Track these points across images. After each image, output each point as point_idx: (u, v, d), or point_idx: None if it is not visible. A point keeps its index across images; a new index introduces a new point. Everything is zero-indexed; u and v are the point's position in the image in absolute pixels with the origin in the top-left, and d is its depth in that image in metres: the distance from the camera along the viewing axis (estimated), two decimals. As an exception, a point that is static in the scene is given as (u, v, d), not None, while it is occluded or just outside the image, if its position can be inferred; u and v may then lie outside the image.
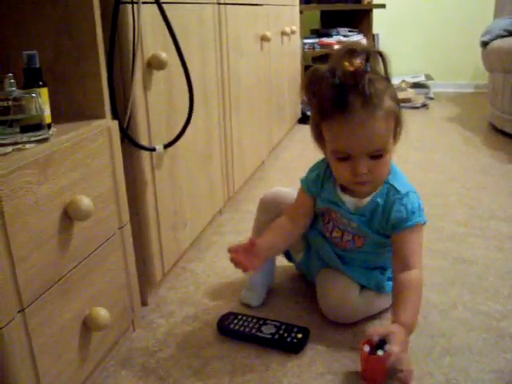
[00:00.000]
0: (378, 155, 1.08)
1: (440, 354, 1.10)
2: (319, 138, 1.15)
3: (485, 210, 1.84)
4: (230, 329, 1.17)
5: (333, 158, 1.12)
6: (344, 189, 1.18)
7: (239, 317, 1.21)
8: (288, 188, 1.36)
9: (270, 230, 1.26)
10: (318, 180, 1.23)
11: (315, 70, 1.09)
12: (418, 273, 1.09)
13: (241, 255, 1.14)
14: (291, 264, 1.42)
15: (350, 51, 1.07)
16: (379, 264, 1.24)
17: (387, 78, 1.10)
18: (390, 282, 1.23)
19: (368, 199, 1.16)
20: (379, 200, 1.15)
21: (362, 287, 1.22)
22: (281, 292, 1.36)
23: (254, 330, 1.15)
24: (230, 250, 1.15)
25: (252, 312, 1.26)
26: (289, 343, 1.12)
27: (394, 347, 0.96)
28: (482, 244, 1.58)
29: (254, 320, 1.19)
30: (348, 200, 1.18)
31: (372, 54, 1.08)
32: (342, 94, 1.04)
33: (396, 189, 1.14)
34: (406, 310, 1.05)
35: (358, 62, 1.06)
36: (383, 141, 1.08)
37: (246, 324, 1.18)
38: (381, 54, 1.10)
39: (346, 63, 1.05)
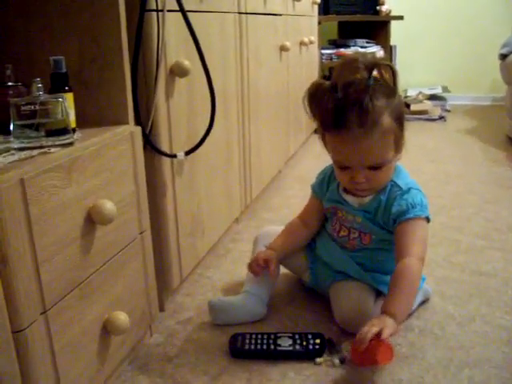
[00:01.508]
0: (376, 167, 1.13)
1: (458, 366, 1.09)
2: (325, 143, 1.20)
3: (503, 223, 1.82)
4: (245, 350, 1.13)
5: (335, 165, 1.18)
6: (347, 190, 1.23)
7: (248, 336, 1.16)
8: (281, 227, 1.39)
9: (284, 233, 1.34)
10: (324, 183, 1.30)
11: (317, 84, 1.13)
12: (412, 260, 1.10)
13: (258, 265, 1.25)
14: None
15: (352, 64, 1.10)
16: (388, 266, 1.23)
17: (393, 91, 1.12)
18: None
19: (371, 197, 1.20)
20: (382, 197, 1.18)
21: (377, 296, 1.22)
22: (293, 302, 1.36)
23: (271, 346, 1.13)
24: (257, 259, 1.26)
25: (265, 326, 1.25)
26: (311, 350, 1.12)
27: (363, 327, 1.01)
28: (501, 257, 1.57)
29: (265, 336, 1.16)
30: (351, 200, 1.22)
31: (377, 66, 1.11)
32: (341, 111, 1.08)
33: (398, 186, 1.18)
34: (394, 300, 1.07)
35: (360, 75, 1.09)
36: (380, 156, 1.12)
37: (259, 342, 1.14)
38: (390, 67, 1.12)
39: (347, 77, 1.09)
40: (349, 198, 1.22)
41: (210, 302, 1.25)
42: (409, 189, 1.17)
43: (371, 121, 1.07)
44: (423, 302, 1.31)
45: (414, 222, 1.14)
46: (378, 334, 0.99)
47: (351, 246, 1.25)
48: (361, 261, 1.24)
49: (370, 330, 1.00)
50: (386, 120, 1.09)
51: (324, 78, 3.55)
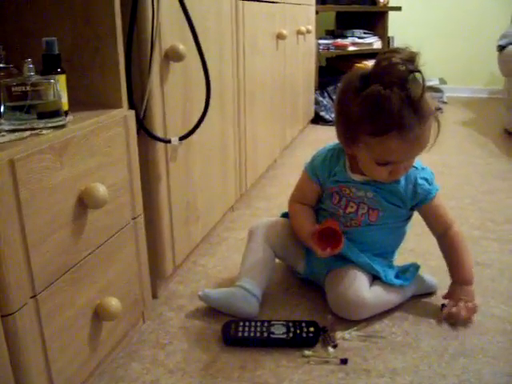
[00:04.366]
0: None
1: (453, 356, 1.08)
2: (351, 143, 1.17)
3: (499, 214, 1.82)
4: (238, 337, 1.12)
5: (371, 162, 1.16)
6: (354, 170, 1.24)
7: (241, 323, 1.15)
8: (275, 217, 1.39)
9: (307, 216, 1.31)
10: (325, 166, 1.28)
11: (379, 92, 1.06)
12: (457, 227, 1.25)
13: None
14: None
15: (407, 68, 1.11)
16: (384, 248, 1.28)
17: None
18: (397, 279, 1.24)
19: None
20: None
21: (373, 281, 1.24)
22: (288, 290, 1.35)
23: (265, 334, 1.12)
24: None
25: (259, 314, 1.23)
26: (305, 338, 1.11)
27: (450, 307, 1.20)
28: (497, 248, 1.56)
29: (259, 323, 1.15)
30: (360, 178, 1.23)
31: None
32: (403, 112, 1.07)
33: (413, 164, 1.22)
34: (463, 268, 1.24)
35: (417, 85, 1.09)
36: (427, 144, 1.15)
37: (253, 329, 1.13)
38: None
39: (411, 86, 1.08)
40: (358, 178, 1.23)
41: (198, 296, 1.24)
42: (422, 168, 1.25)
43: (426, 115, 1.09)
44: (427, 294, 1.32)
45: (436, 198, 1.25)
46: None
47: (357, 223, 1.25)
48: (361, 239, 1.24)
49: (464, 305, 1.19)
50: (432, 112, 1.12)
51: (325, 68, 3.53)
